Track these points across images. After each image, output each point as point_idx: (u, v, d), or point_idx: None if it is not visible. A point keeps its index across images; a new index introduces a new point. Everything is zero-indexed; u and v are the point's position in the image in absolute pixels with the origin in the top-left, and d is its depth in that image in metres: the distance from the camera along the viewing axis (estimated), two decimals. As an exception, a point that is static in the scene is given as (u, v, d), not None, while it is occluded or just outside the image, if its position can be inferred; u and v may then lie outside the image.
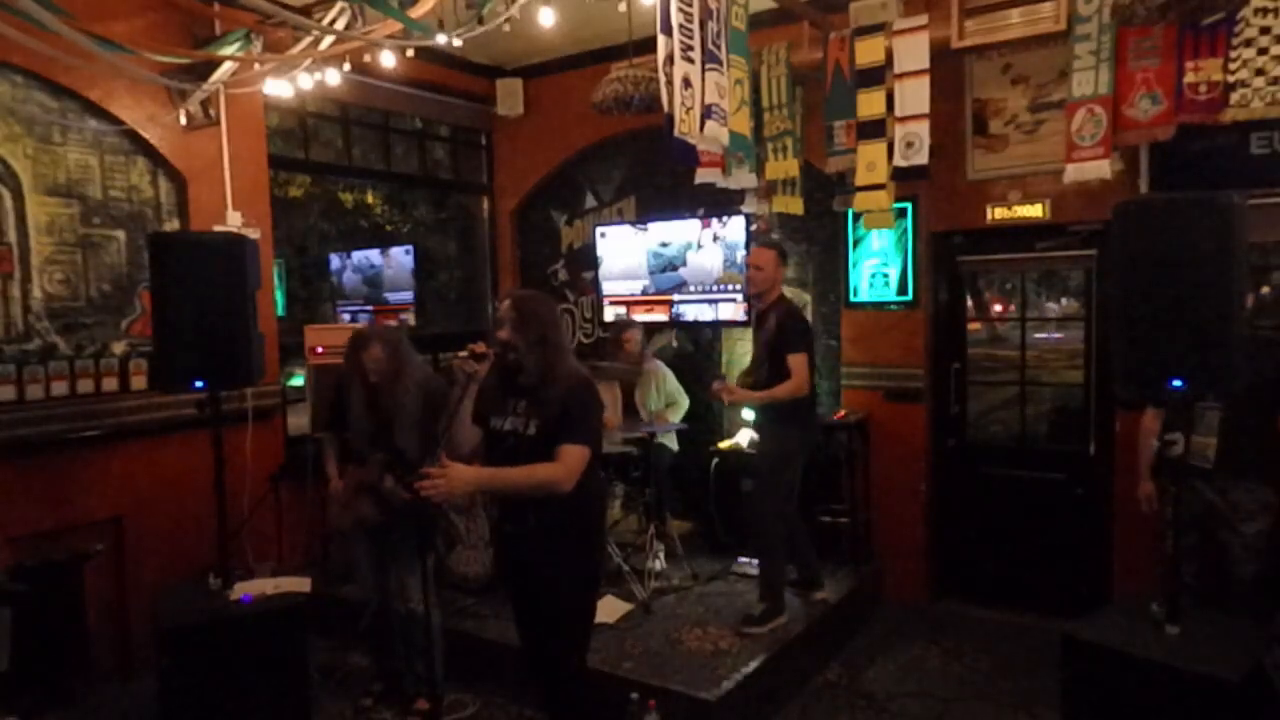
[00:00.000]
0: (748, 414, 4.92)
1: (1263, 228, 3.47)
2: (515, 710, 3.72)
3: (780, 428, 3.94)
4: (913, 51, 3.93)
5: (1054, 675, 3.09)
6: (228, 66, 3.97)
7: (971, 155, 4.51)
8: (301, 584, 3.60)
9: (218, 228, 4.35)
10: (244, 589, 3.52)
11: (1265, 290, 4.08)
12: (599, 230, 5.66)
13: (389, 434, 3.46)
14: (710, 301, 5.19)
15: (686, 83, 2.94)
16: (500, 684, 3.80)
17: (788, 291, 5.19)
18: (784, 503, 3.97)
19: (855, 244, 4.87)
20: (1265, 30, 3.45)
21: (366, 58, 3.81)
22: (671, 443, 4.97)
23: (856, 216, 4.70)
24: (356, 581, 3.77)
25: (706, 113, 3.06)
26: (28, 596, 3.11)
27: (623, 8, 3.59)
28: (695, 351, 5.65)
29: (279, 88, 4.04)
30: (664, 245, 5.36)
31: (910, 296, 4.71)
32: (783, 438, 3.93)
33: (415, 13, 3.04)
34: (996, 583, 4.69)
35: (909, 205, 4.63)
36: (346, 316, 6.37)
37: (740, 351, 5.30)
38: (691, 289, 5.28)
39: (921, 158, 3.97)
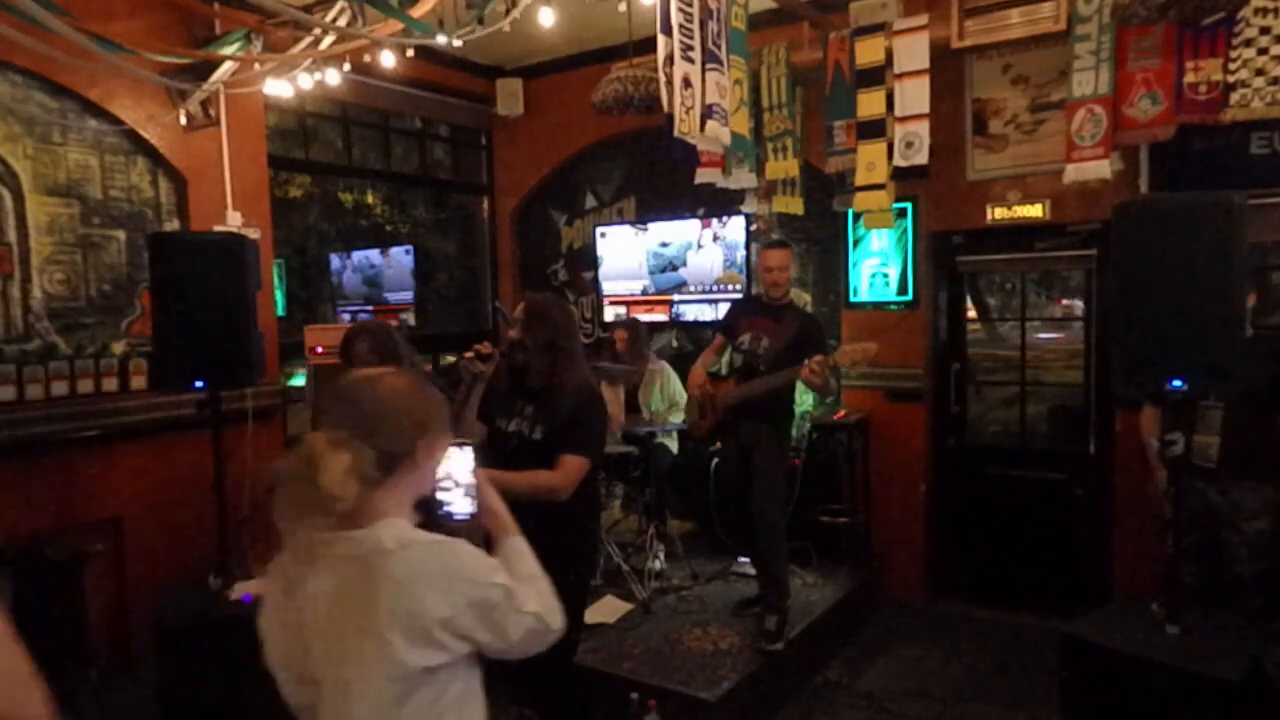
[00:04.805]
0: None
1: (1263, 228, 3.48)
2: (515, 710, 3.71)
3: (783, 427, 3.95)
4: (913, 51, 3.93)
5: (1054, 675, 3.09)
6: (228, 66, 3.97)
7: (971, 155, 4.51)
8: (301, 584, 3.60)
9: (218, 228, 4.34)
10: (244, 589, 3.51)
11: (1264, 291, 4.08)
12: (599, 230, 5.67)
13: None
14: (710, 301, 5.19)
15: (687, 83, 2.94)
16: (500, 684, 3.78)
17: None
18: (784, 505, 3.97)
19: (855, 244, 4.87)
20: (1265, 30, 3.45)
21: (366, 58, 3.81)
22: (672, 443, 4.97)
23: (856, 216, 4.69)
24: None
25: (707, 112, 3.05)
26: (28, 594, 3.11)
27: (623, 8, 3.59)
28: (695, 351, 5.63)
29: (279, 88, 4.03)
30: (664, 245, 5.36)
31: (910, 296, 4.71)
32: (783, 438, 3.94)
33: (415, 13, 3.04)
34: (996, 582, 4.68)
35: (909, 205, 4.63)
36: (346, 317, 6.36)
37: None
38: (691, 289, 5.28)
39: (921, 158, 3.97)
